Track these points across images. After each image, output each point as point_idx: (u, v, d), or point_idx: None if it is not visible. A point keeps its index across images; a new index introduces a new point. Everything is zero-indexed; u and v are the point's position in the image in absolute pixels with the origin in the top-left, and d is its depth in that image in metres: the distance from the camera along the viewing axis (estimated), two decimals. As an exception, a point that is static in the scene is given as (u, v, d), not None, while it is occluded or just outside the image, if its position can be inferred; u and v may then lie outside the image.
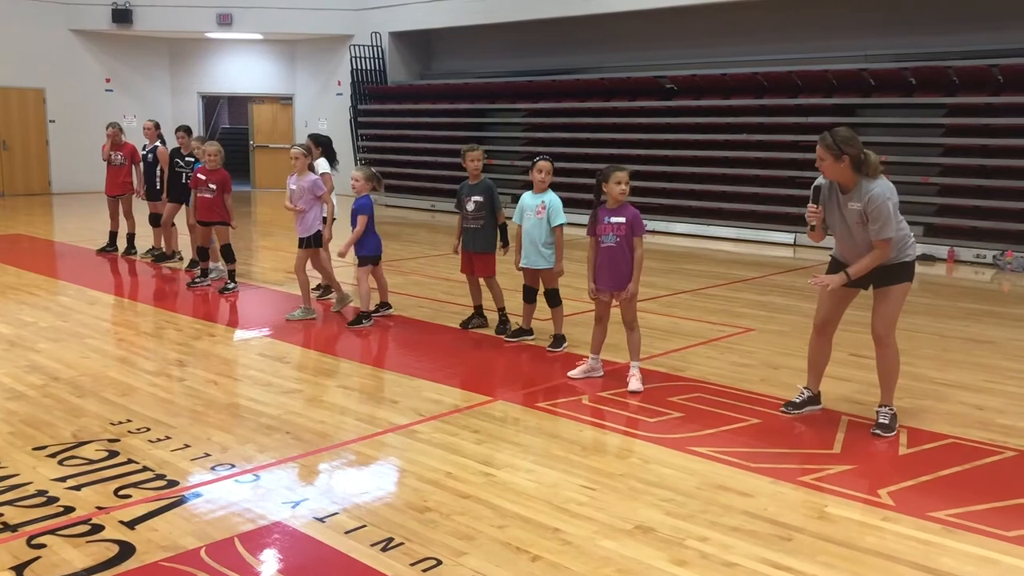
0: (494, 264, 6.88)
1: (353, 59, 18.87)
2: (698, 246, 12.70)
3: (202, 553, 3.34)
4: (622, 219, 5.49)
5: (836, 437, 4.71)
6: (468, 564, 3.28)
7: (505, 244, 6.90)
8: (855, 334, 7.16)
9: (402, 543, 3.44)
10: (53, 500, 3.79)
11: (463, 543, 3.45)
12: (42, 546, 3.38)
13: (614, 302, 5.64)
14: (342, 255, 7.26)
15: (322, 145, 8.38)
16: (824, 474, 4.19)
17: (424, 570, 3.23)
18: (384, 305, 7.57)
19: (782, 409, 5.06)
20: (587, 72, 16.33)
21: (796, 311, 7.97)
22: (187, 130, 9.93)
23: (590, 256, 5.64)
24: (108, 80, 19.75)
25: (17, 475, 4.05)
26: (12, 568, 3.20)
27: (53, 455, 4.32)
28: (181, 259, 10.14)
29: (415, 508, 3.77)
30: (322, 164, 8.19)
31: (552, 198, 6.45)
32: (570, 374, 5.74)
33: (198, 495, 3.90)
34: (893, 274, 4.69)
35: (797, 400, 5.09)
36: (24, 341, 6.59)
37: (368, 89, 19.07)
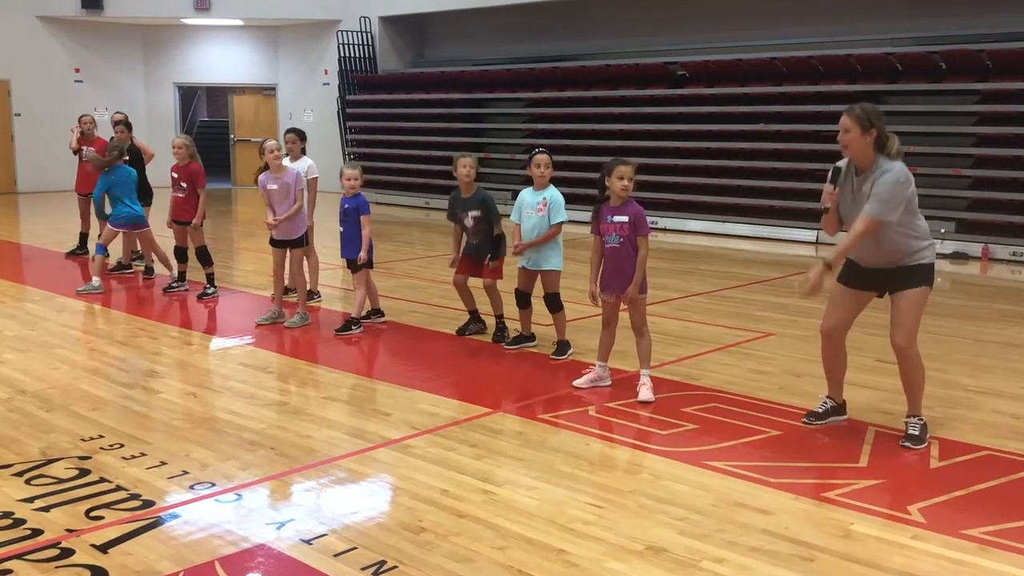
0: (501, 268, 6.86)
1: (340, 46, 18.89)
2: (713, 244, 12.71)
3: (180, 578, 3.35)
4: (625, 218, 5.48)
5: (862, 449, 4.71)
6: (466, 589, 3.28)
7: (494, 257, 6.79)
8: (881, 338, 7.15)
9: (395, 567, 3.44)
10: (20, 522, 3.79)
11: (461, 566, 3.45)
12: (8, 572, 3.38)
13: (622, 305, 5.64)
14: (362, 260, 7.10)
15: (305, 140, 8.40)
16: (849, 489, 4.19)
17: (419, 595, 3.24)
18: (376, 312, 7.55)
19: (804, 420, 5.05)
20: (592, 58, 16.35)
21: (819, 314, 7.89)
22: (128, 125, 9.87)
23: (593, 256, 5.64)
24: (77, 70, 19.79)
25: (-19, 496, 4.06)
26: (-24, 596, 3.21)
27: (19, 474, 4.32)
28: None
29: (409, 529, 3.77)
30: (311, 166, 8.20)
31: (553, 194, 6.46)
32: (576, 383, 5.74)
33: (176, 516, 3.90)
34: (907, 278, 4.61)
35: (820, 410, 5.06)
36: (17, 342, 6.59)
37: (357, 78, 19.10)
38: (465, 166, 6.75)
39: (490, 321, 7.05)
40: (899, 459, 4.61)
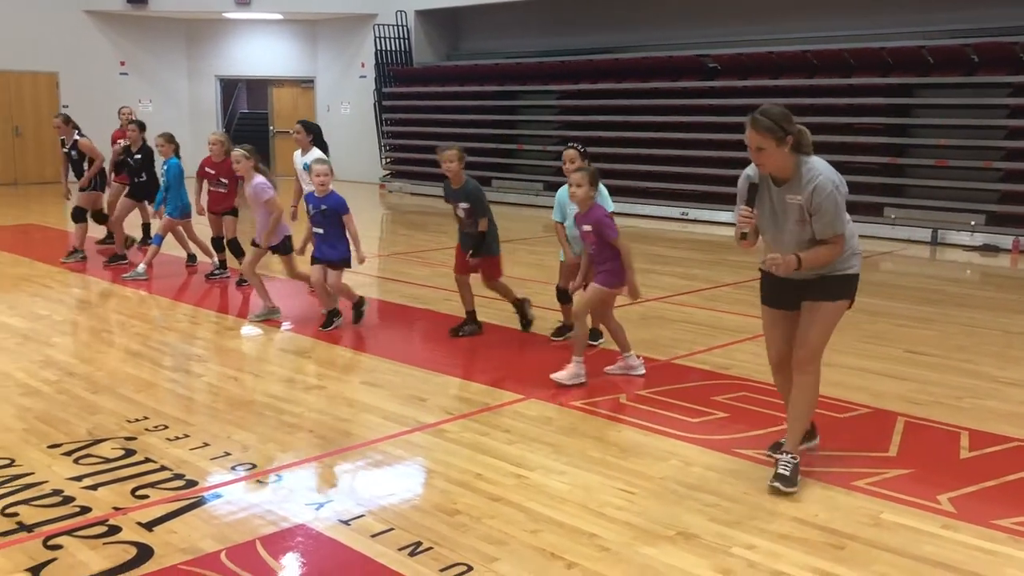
0: (499, 266, 6.69)
1: (377, 39, 18.93)
2: (742, 236, 12.58)
3: (222, 556, 3.38)
4: (587, 227, 5.48)
5: (892, 439, 4.66)
6: (500, 570, 3.29)
7: (474, 253, 6.49)
8: (911, 329, 7.09)
9: (431, 548, 3.45)
10: (69, 500, 3.85)
11: (495, 548, 3.45)
12: (58, 547, 3.43)
13: (616, 301, 5.76)
14: (363, 261, 6.94)
15: (313, 133, 8.26)
16: (879, 478, 4.14)
17: (454, 576, 3.25)
18: (336, 313, 7.02)
19: (766, 453, 4.35)
20: (625, 51, 16.24)
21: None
22: (141, 125, 9.71)
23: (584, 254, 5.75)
24: (123, 64, 20.01)
25: (32, 473, 4.13)
26: (28, 569, 3.26)
27: (68, 453, 4.39)
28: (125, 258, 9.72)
29: (444, 511, 3.78)
30: (320, 158, 7.97)
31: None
32: (557, 378, 5.56)
33: (218, 496, 3.94)
34: (828, 288, 3.99)
35: (787, 472, 4.03)
36: (38, 335, 6.69)
37: (393, 71, 19.13)
38: (447, 160, 6.43)
39: (494, 315, 7.00)
40: (929, 449, 4.56)
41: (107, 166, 10.33)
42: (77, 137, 9.90)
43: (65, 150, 10.06)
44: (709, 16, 15.32)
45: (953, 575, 3.29)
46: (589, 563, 3.35)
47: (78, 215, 10.03)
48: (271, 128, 21.87)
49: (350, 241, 6.85)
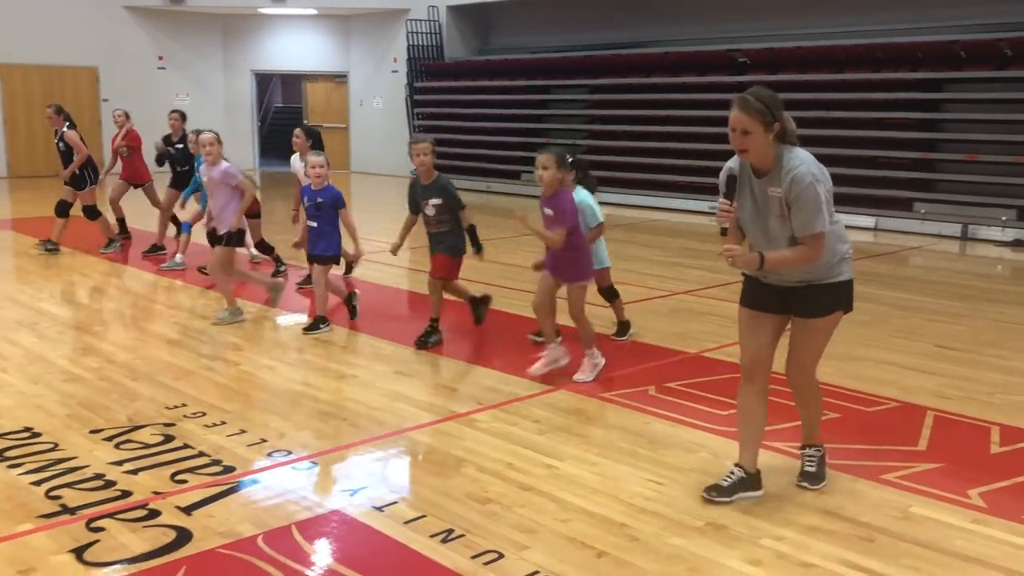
0: (455, 268, 6.33)
1: (409, 34, 18.97)
2: (771, 230, 12.49)
3: (259, 541, 3.41)
4: (550, 211, 5.28)
5: (921, 433, 4.61)
6: (531, 558, 3.29)
7: (478, 249, 6.22)
8: (940, 324, 7.01)
9: (463, 535, 3.47)
10: (111, 484, 3.91)
11: (526, 537, 3.46)
12: (100, 529, 3.49)
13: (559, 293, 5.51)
14: (360, 255, 6.90)
15: (313, 138, 8.14)
16: (908, 472, 4.10)
17: (486, 563, 3.26)
18: (323, 320, 6.68)
19: (704, 494, 3.79)
20: (654, 46, 16.16)
21: (877, 299, 7.81)
22: (182, 115, 9.73)
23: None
24: (161, 58, 20.19)
25: (75, 458, 4.19)
26: (72, 551, 3.32)
27: (109, 438, 4.45)
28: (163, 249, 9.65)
29: (476, 499, 3.79)
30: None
31: (582, 196, 5.87)
32: (575, 378, 5.41)
33: (255, 481, 3.98)
34: (820, 299, 3.64)
35: (725, 483, 3.79)
36: (79, 323, 6.78)
37: (424, 66, 19.16)
38: (423, 152, 6.01)
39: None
40: (959, 444, 4.50)
41: (108, 161, 10.33)
42: (65, 129, 9.73)
43: (56, 141, 9.91)
44: (738, 11, 15.20)
45: (984, 570, 3.25)
46: (619, 552, 3.35)
47: (91, 213, 9.83)
48: (305, 122, 21.95)
49: (349, 235, 6.70)
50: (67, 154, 9.75)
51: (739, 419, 3.90)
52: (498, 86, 17.71)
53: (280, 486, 3.95)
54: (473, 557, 3.30)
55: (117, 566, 3.22)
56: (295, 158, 8.35)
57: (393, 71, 19.96)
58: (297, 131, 8.26)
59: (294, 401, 5.08)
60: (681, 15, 16.00)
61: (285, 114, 24.82)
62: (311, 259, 6.71)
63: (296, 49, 21.32)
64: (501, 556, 3.31)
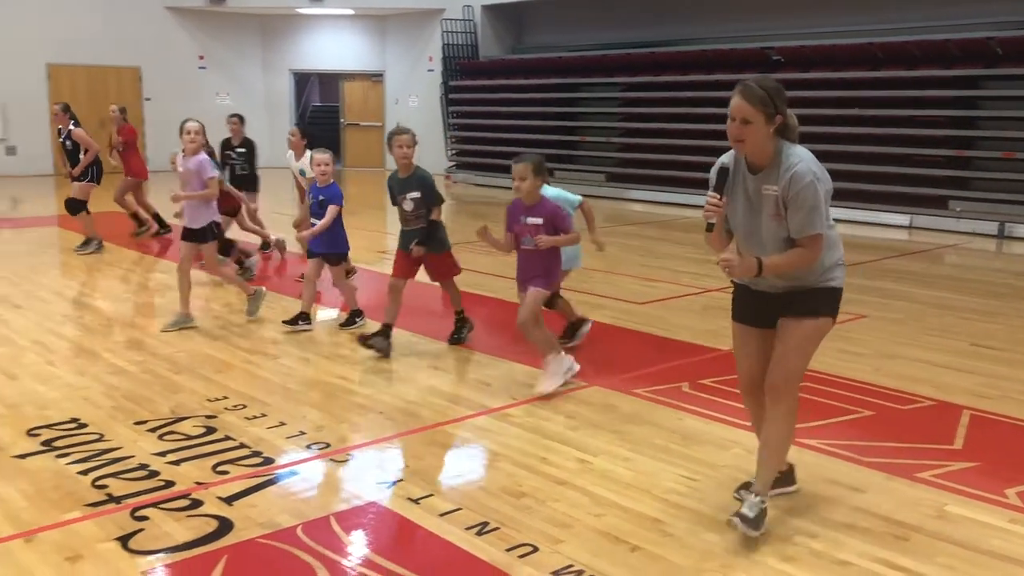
0: (453, 263, 6.14)
1: (444, 34, 19.00)
2: (804, 227, 12.37)
3: (298, 531, 3.45)
4: (539, 220, 5.04)
5: (957, 432, 4.55)
6: (565, 552, 3.29)
7: (422, 243, 5.86)
8: (976, 322, 6.91)
9: (497, 528, 3.47)
10: (154, 474, 3.96)
11: (560, 531, 3.46)
12: (145, 518, 3.54)
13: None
14: (303, 240, 6.58)
15: (309, 137, 8.05)
16: (944, 471, 4.05)
17: (520, 556, 3.26)
18: (358, 314, 6.70)
19: (735, 494, 3.74)
20: (687, 44, 16.06)
21: (912, 298, 7.71)
22: (241, 119, 9.75)
23: (504, 244, 5.33)
24: (201, 58, 20.41)
25: (120, 448, 4.25)
26: (118, 538, 3.37)
27: (153, 430, 4.51)
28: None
29: (510, 493, 3.80)
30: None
31: (554, 192, 5.75)
32: (542, 391, 5.06)
33: (294, 473, 4.02)
34: (810, 302, 3.40)
35: (751, 514, 3.41)
36: (123, 317, 6.88)
37: (459, 64, 19.19)
38: (404, 144, 5.78)
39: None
40: (995, 443, 4.44)
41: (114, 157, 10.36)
42: (72, 127, 9.72)
43: (61, 139, 9.89)
44: (772, 8, 15.05)
45: (1021, 569, 3.20)
46: (653, 547, 3.34)
47: (74, 207, 9.74)
48: (342, 120, 22.10)
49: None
50: (73, 152, 9.75)
51: (754, 427, 3.76)
52: (532, 84, 17.69)
53: (318, 478, 3.99)
54: (508, 550, 3.30)
55: (161, 554, 3.27)
56: (290, 157, 8.24)
57: (428, 70, 20.02)
58: (292, 130, 8.18)
59: (331, 395, 5.12)
60: (715, 13, 15.87)
61: (323, 113, 24.95)
62: (314, 256, 6.57)
63: (334, 49, 21.44)
64: (535, 549, 3.31)
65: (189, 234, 6.55)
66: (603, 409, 4.88)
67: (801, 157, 3.25)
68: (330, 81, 24.20)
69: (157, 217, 10.79)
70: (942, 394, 5.09)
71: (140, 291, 7.82)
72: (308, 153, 7.71)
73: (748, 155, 3.33)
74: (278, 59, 21.40)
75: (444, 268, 6.11)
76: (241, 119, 9.77)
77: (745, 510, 3.38)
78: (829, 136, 13.22)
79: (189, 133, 6.50)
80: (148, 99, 19.53)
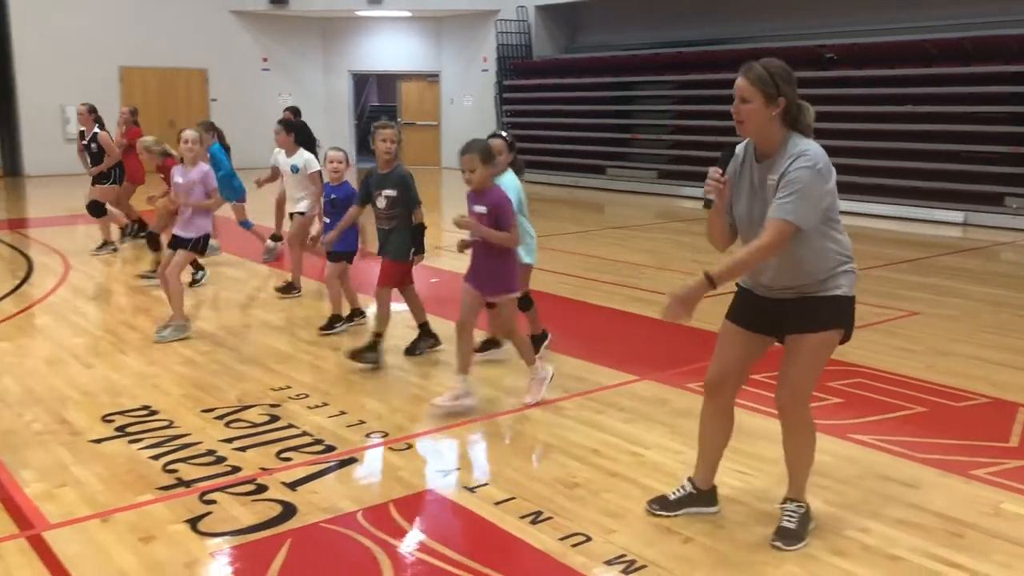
0: (408, 273, 5.58)
1: (499, 34, 19.04)
2: (856, 224, 12.15)
3: (358, 516, 3.50)
4: (483, 208, 4.58)
5: (1012, 429, 4.43)
6: (618, 542, 3.29)
7: (419, 251, 5.51)
8: (1034, 320, 6.72)
9: (551, 517, 3.49)
10: (221, 459, 4.05)
11: (612, 521, 3.46)
12: (213, 502, 3.62)
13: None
14: (328, 243, 6.01)
15: (295, 131, 7.19)
16: (999, 468, 3.95)
17: (573, 545, 3.27)
18: (359, 313, 6.52)
19: (647, 507, 3.55)
20: (740, 42, 15.85)
21: (966, 295, 7.53)
22: (286, 125, 9.75)
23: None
24: (265, 60, 20.71)
25: (189, 434, 4.35)
26: (187, 521, 3.45)
27: (220, 417, 4.61)
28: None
29: (563, 483, 3.81)
30: (309, 160, 7.28)
31: (509, 182, 5.21)
32: (436, 402, 4.71)
33: (354, 460, 4.08)
34: (815, 312, 3.15)
35: (672, 496, 3.53)
36: (189, 310, 7.02)
37: (513, 64, 19.20)
38: (388, 139, 5.41)
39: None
40: (1052, 441, 4.32)
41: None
42: (97, 130, 9.54)
43: (84, 142, 9.68)
44: (825, 6, 14.79)
45: (1078, 568, 3.12)
46: (705, 538, 3.32)
47: (96, 209, 9.57)
48: (399, 120, 22.27)
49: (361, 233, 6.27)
50: (99, 155, 9.55)
51: (699, 436, 3.53)
52: (585, 83, 17.63)
53: (377, 465, 4.04)
54: (561, 539, 3.31)
55: (228, 536, 3.34)
56: (280, 155, 7.70)
57: (483, 70, 20.06)
58: (276, 127, 7.60)
59: (390, 385, 5.17)
60: (768, 11, 15.66)
61: (380, 112, 25.15)
62: (331, 256, 6.25)
63: (391, 50, 21.61)
64: (588, 539, 3.31)
65: (179, 242, 6.23)
66: (655, 403, 4.86)
67: (809, 147, 3.04)
68: (387, 82, 24.40)
69: (140, 220, 10.33)
70: (997, 391, 4.97)
71: (207, 285, 7.97)
72: (301, 150, 7.40)
73: (750, 138, 3.17)
74: (338, 61, 21.63)
75: (396, 276, 5.48)
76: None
77: (785, 523, 3.27)
78: (883, 133, 12.97)
79: (187, 143, 6.24)
80: (214, 100, 19.88)
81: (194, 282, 7.82)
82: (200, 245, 6.29)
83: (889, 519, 3.47)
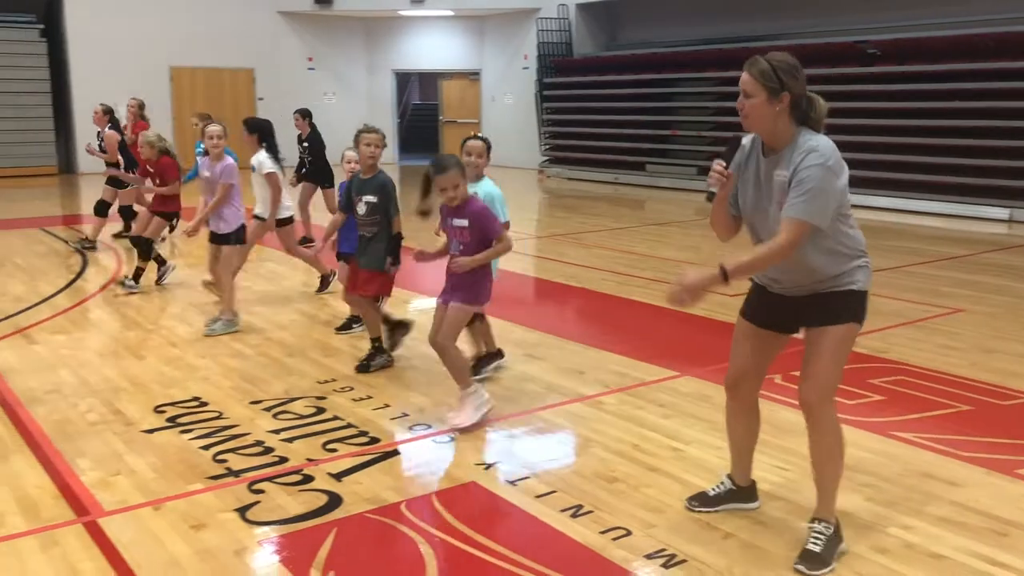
0: (388, 283, 5.37)
1: (540, 32, 19.01)
2: (899, 221, 11.98)
3: (402, 507, 3.53)
4: (464, 222, 4.31)
5: (1059, 429, 4.34)
6: (658, 536, 3.28)
7: (395, 262, 5.26)
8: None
9: (591, 511, 3.49)
10: (269, 450, 4.11)
11: (652, 515, 3.45)
12: (261, 492, 3.67)
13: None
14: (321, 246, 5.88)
15: (259, 132, 6.75)
16: (1045, 468, 3.88)
17: (614, 539, 3.27)
18: (357, 320, 6.25)
19: (687, 504, 3.54)
20: (781, 38, 15.65)
21: (1011, 292, 7.38)
22: (303, 112, 9.74)
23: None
24: (310, 59, 20.91)
25: (238, 425, 4.42)
26: (236, 510, 3.51)
27: (268, 409, 4.67)
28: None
29: (603, 478, 3.80)
30: (261, 161, 6.69)
31: (489, 188, 5.01)
32: (456, 423, 4.40)
33: (398, 452, 4.11)
34: (830, 307, 3.06)
35: (711, 492, 3.54)
36: (240, 305, 7.11)
37: (554, 62, 19.16)
38: (373, 144, 5.19)
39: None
40: (1100, 441, 4.22)
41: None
42: (107, 129, 9.56)
43: (99, 142, 9.81)
44: (868, 1, 14.55)
45: None
46: (745, 535, 3.30)
47: (101, 208, 9.58)
48: (440, 118, 22.37)
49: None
50: (122, 153, 9.57)
51: (727, 433, 3.51)
52: (626, 80, 17.54)
53: (421, 457, 4.07)
54: (602, 532, 3.31)
55: (276, 525, 3.39)
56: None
57: (524, 68, 20.05)
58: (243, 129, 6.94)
59: (433, 379, 5.20)
60: (809, 6, 15.45)
61: (422, 111, 25.29)
62: (341, 258, 6.15)
63: (433, 49, 21.68)
64: (629, 533, 3.31)
65: (219, 238, 6.29)
66: (696, 399, 4.84)
67: (819, 143, 2.94)
68: (429, 80, 24.50)
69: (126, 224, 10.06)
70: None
71: (255, 279, 8.08)
72: (262, 152, 6.72)
73: (756, 133, 3.08)
74: (381, 60, 21.76)
75: (375, 284, 5.32)
76: (303, 114, 9.81)
77: (812, 545, 3.09)
78: (926, 129, 12.74)
79: (212, 138, 6.20)
80: (261, 99, 20.11)
81: (160, 278, 7.74)
82: (240, 236, 6.33)
83: (932, 517, 3.42)
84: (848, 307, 3.06)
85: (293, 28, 20.57)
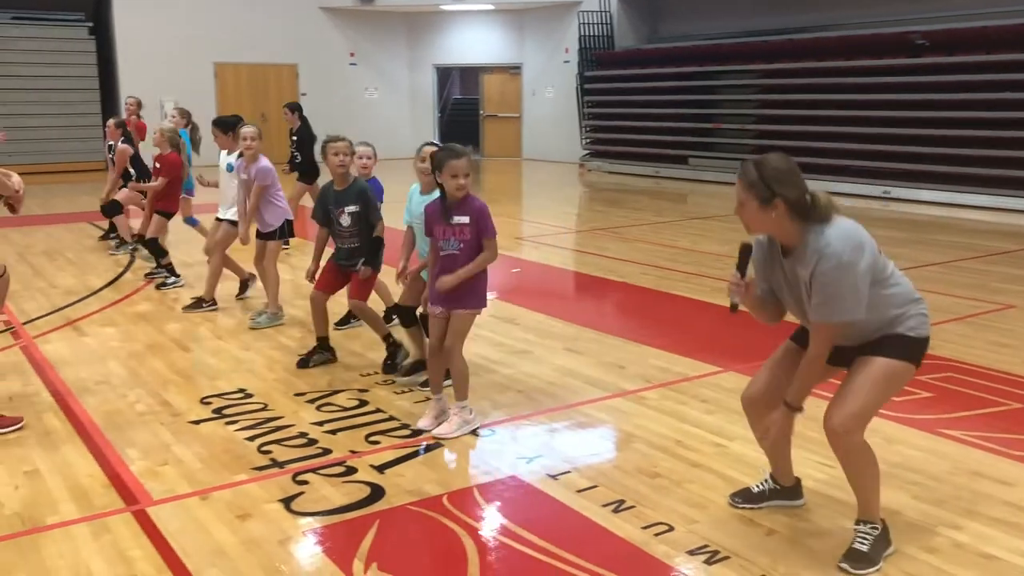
0: (372, 283, 5.37)
1: (581, 25, 18.93)
2: (947, 215, 11.75)
3: (444, 500, 3.54)
4: (465, 218, 4.18)
5: (1115, 428, 4.23)
6: (700, 532, 3.26)
7: (376, 268, 5.26)
8: None
9: (633, 506, 3.47)
10: (313, 442, 4.15)
11: (694, 511, 3.43)
12: (305, 483, 3.71)
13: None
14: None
15: (234, 131, 6.64)
16: (1100, 468, 3.78)
17: (656, 534, 3.25)
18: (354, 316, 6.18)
19: (729, 500, 3.52)
20: (826, 30, 15.42)
21: (1065, 288, 7.20)
22: (292, 107, 9.76)
23: (429, 261, 4.49)
24: (352, 55, 21.04)
25: (282, 417, 4.47)
26: (281, 500, 3.55)
27: (311, 401, 4.72)
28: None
29: (645, 473, 3.79)
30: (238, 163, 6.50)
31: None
32: (420, 425, 4.34)
33: (439, 445, 4.13)
34: (884, 344, 2.98)
35: (755, 489, 3.50)
36: (282, 299, 7.19)
37: (595, 55, 19.07)
38: (336, 153, 5.06)
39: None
40: None
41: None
42: (120, 143, 9.25)
43: (110, 156, 9.65)
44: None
45: None
46: (788, 531, 3.27)
47: (112, 209, 9.28)
48: (481, 112, 22.39)
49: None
50: (134, 162, 9.30)
51: (757, 441, 3.42)
52: (668, 73, 17.40)
53: (462, 451, 4.09)
54: (643, 528, 3.30)
55: (320, 516, 3.43)
56: (222, 154, 6.99)
57: (564, 61, 19.99)
58: (212, 129, 6.92)
59: (473, 373, 5.16)
60: (855, -2, 15.19)
61: (463, 105, 25.32)
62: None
63: (474, 43, 21.70)
64: (671, 529, 3.29)
65: (264, 235, 6.36)
66: (737, 394, 4.75)
67: (829, 240, 2.85)
68: (470, 74, 24.53)
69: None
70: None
71: (297, 273, 8.16)
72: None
73: (768, 236, 3.05)
74: (422, 54, 21.82)
75: (367, 288, 5.30)
76: (291, 108, 9.78)
77: (859, 544, 3.04)
78: (977, 121, 12.46)
79: (246, 139, 6.18)
80: (304, 94, 20.27)
81: (162, 285, 7.62)
82: (285, 231, 6.38)
83: (983, 517, 3.36)
84: (902, 348, 2.98)
85: (335, 24, 20.72)
